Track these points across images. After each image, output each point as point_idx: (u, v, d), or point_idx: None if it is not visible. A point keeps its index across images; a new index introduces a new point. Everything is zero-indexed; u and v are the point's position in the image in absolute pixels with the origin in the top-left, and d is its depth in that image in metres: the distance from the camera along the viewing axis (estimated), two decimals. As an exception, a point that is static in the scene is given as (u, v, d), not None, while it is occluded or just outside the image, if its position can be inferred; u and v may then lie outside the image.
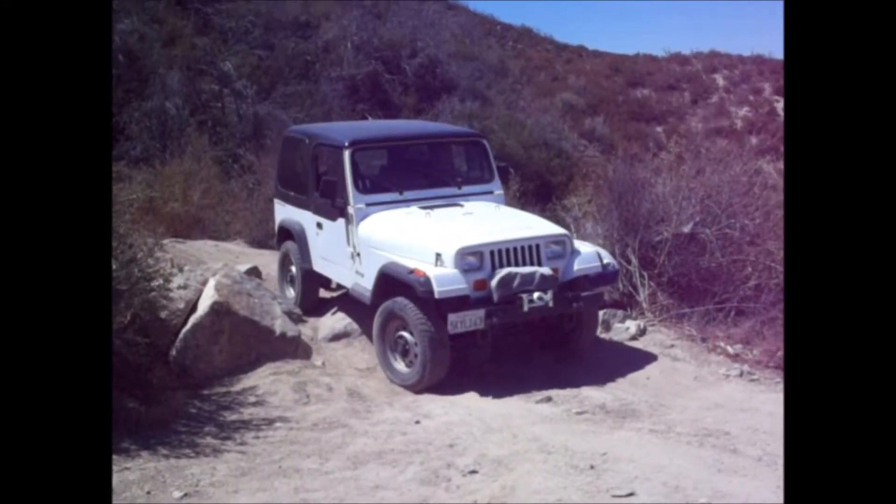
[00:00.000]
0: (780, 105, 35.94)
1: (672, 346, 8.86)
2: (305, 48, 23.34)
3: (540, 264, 7.83)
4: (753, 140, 29.97)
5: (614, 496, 5.29)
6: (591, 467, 5.70)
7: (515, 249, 7.77)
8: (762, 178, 11.09)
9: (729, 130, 31.39)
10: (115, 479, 5.71)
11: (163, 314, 7.88)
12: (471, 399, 7.44)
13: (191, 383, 7.84)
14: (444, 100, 22.94)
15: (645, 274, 9.96)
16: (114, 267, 6.67)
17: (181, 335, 8.08)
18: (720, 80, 39.87)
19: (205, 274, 8.77)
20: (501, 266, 7.67)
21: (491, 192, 9.27)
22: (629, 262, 10.06)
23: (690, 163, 10.80)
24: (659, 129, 32.81)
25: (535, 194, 15.96)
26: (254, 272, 10.31)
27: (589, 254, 8.25)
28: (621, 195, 10.40)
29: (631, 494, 5.30)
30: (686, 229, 9.99)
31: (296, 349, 8.54)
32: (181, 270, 8.24)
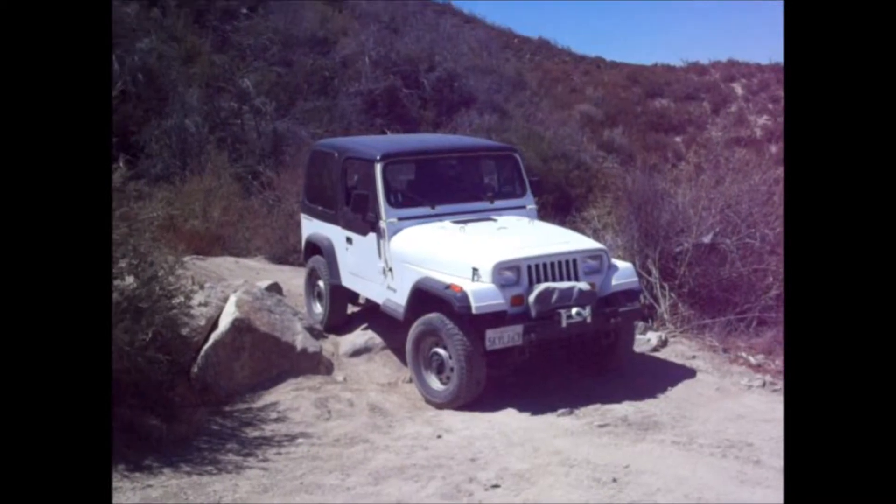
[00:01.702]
0: (799, 113, 35.81)
1: (694, 357, 8.81)
2: (323, 64, 23.45)
3: (577, 279, 7.71)
4: (773, 149, 29.84)
5: (637, 509, 5.28)
6: (614, 480, 5.69)
7: (553, 264, 7.65)
8: (782, 188, 11.04)
9: (748, 140, 31.27)
10: (138, 496, 5.75)
11: (184, 331, 7.88)
12: (493, 413, 7.42)
13: (212, 400, 7.86)
14: (462, 113, 23.00)
15: (665, 285, 9.94)
16: (135, 285, 6.71)
17: (202, 352, 8.10)
18: (739, 88, 39.81)
19: (225, 290, 8.79)
20: (539, 281, 7.54)
21: (523, 207, 9.15)
22: (650, 273, 10.04)
23: (710, 173, 10.77)
24: (678, 139, 32.78)
25: (554, 206, 15.91)
26: (274, 288, 10.30)
27: (626, 269, 8.16)
28: (641, 206, 10.38)
29: (654, 507, 5.29)
30: (706, 240, 9.96)
31: (317, 365, 8.55)
32: (202, 287, 8.26)
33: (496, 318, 7.34)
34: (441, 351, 7.66)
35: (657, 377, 8.25)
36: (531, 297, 7.45)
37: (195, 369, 8.04)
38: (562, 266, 7.69)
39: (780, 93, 38.33)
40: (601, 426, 6.97)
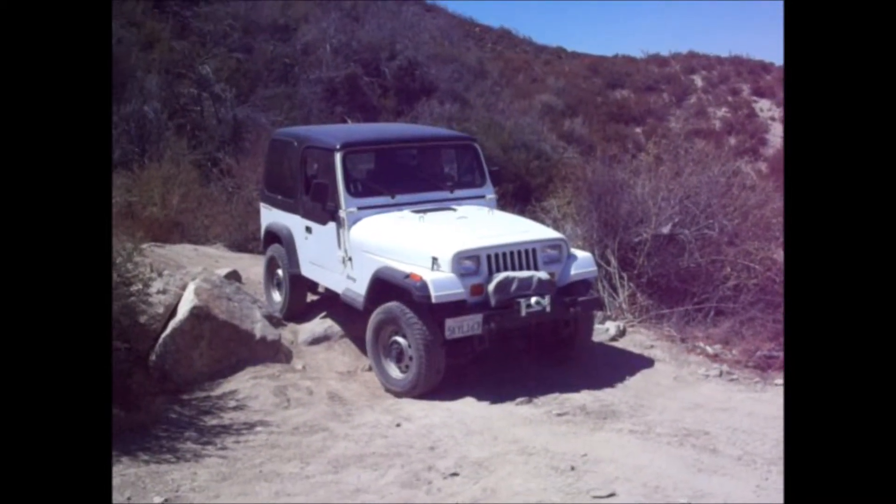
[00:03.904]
0: (758, 105, 36.16)
1: (652, 346, 8.87)
2: (284, 51, 23.22)
3: (536, 269, 7.74)
4: (732, 141, 30.19)
5: (595, 497, 5.32)
6: (572, 468, 5.72)
7: (512, 254, 7.68)
8: (740, 179, 11.12)
9: (707, 131, 31.50)
10: (95, 485, 5.70)
11: (142, 319, 7.83)
12: (452, 401, 7.44)
13: (171, 388, 7.81)
14: (423, 102, 22.92)
15: (624, 275, 9.99)
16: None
17: (161, 340, 8.04)
18: (699, 80, 40.08)
19: (184, 278, 8.73)
20: (498, 270, 7.57)
21: (483, 197, 9.17)
22: (608, 263, 10.08)
23: (669, 164, 10.83)
24: (638, 130, 32.92)
25: (514, 196, 15.95)
26: (233, 276, 10.23)
27: (585, 258, 8.21)
28: (600, 196, 10.41)
29: (611, 495, 5.33)
30: (665, 230, 10.02)
31: (276, 353, 8.52)
32: (160, 275, 8.20)
33: (456, 308, 7.37)
34: (400, 339, 7.66)
35: (615, 366, 8.30)
36: (491, 287, 7.47)
37: (153, 357, 7.99)
38: (521, 255, 7.72)
39: (740, 85, 38.70)
40: (560, 415, 7.01)
